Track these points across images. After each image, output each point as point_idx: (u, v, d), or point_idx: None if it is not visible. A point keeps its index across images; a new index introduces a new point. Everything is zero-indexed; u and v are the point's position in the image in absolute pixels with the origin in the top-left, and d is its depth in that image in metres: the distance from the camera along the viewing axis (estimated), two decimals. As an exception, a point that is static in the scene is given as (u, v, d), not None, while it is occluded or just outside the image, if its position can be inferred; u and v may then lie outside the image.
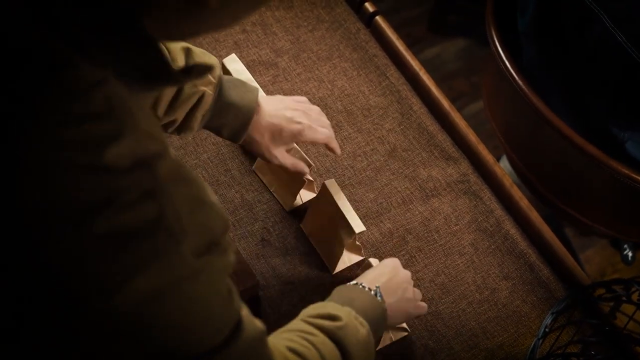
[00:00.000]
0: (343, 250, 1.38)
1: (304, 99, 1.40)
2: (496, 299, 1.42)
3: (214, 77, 1.23)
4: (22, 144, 0.64)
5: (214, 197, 0.78)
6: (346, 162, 1.52)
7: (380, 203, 1.49)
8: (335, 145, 1.39)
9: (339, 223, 1.34)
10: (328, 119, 1.54)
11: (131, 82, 0.69)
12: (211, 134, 1.51)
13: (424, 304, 1.31)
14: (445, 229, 1.48)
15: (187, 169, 0.76)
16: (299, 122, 1.33)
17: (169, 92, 1.19)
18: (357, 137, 1.56)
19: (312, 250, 1.42)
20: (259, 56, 1.63)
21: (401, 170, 1.53)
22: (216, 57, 1.59)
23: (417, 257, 1.44)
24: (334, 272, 1.40)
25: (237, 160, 1.50)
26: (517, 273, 1.44)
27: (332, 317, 1.05)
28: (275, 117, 1.31)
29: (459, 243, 1.47)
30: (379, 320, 1.15)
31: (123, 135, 0.67)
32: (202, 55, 1.24)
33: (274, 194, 1.45)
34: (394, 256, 1.43)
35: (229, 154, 1.50)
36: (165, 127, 1.26)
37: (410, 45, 1.71)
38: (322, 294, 1.37)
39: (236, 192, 1.46)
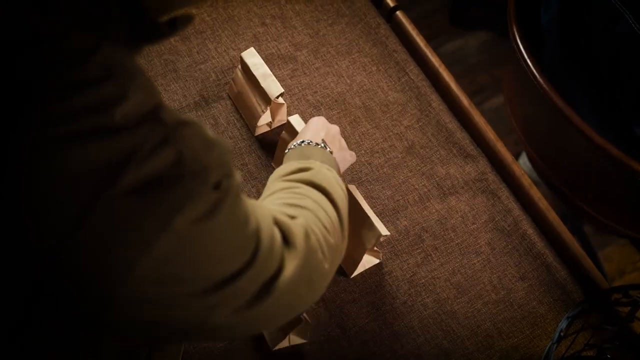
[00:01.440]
0: (364, 254, 1.37)
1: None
2: (512, 300, 1.40)
3: None
4: (30, 122, 0.65)
5: (212, 132, 0.79)
6: (363, 159, 1.51)
7: (397, 200, 1.48)
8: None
9: (361, 227, 1.33)
10: (346, 114, 1.54)
11: (122, 41, 0.71)
12: (229, 127, 1.51)
13: (352, 152, 1.33)
14: (462, 227, 1.47)
15: (182, 114, 0.78)
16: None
17: None
18: (375, 133, 1.55)
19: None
20: (277, 50, 1.62)
21: (419, 167, 1.52)
22: (235, 49, 1.60)
23: (433, 255, 1.43)
24: (352, 276, 1.40)
25: (254, 155, 1.49)
26: (533, 274, 1.43)
27: (304, 169, 1.11)
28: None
29: (475, 242, 1.45)
30: (334, 166, 1.20)
31: (126, 95, 0.69)
32: None
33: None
34: (411, 255, 1.42)
35: (246, 148, 1.50)
36: None
37: (431, 38, 1.69)
38: (337, 292, 1.37)
39: (252, 187, 1.46)
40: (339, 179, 1.13)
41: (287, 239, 0.90)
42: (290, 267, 0.88)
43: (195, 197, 0.72)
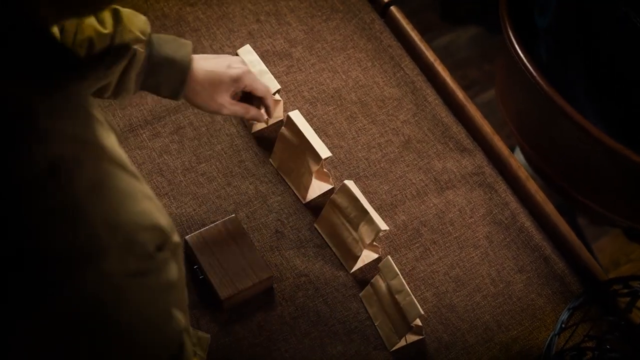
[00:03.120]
0: (312, 178, 1.42)
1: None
2: (511, 292, 1.41)
3: (143, 35, 1.22)
4: None
5: (146, 203, 0.72)
6: (360, 154, 1.52)
7: (395, 195, 1.48)
8: (270, 103, 1.37)
9: (306, 152, 1.39)
10: (342, 110, 1.54)
11: (30, 77, 0.64)
12: (225, 125, 1.51)
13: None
14: (460, 221, 1.47)
15: (118, 175, 0.70)
16: (238, 67, 1.33)
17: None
18: (371, 129, 1.55)
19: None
20: (273, 46, 1.62)
21: (416, 162, 1.52)
22: (230, 47, 1.59)
23: (432, 249, 1.44)
24: (305, 201, 1.44)
25: (251, 152, 1.49)
26: (532, 266, 1.44)
27: None
28: (212, 65, 1.31)
29: (473, 236, 1.46)
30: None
31: (36, 138, 0.64)
32: (130, 20, 1.21)
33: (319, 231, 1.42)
34: (409, 249, 1.43)
35: (243, 145, 1.50)
36: (100, 92, 1.23)
37: (422, 33, 1.69)
38: (337, 287, 1.37)
39: (250, 184, 1.46)
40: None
41: None
42: None
43: (79, 277, 0.66)
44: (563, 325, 1.14)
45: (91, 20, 1.17)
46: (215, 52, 1.59)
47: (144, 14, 1.59)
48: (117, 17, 1.20)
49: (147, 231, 0.71)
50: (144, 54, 1.22)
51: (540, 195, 1.48)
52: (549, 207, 1.47)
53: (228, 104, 1.33)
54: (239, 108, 1.34)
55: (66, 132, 0.67)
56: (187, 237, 1.35)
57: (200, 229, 1.37)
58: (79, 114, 0.71)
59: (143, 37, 1.22)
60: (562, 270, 1.43)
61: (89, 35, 1.16)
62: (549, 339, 1.14)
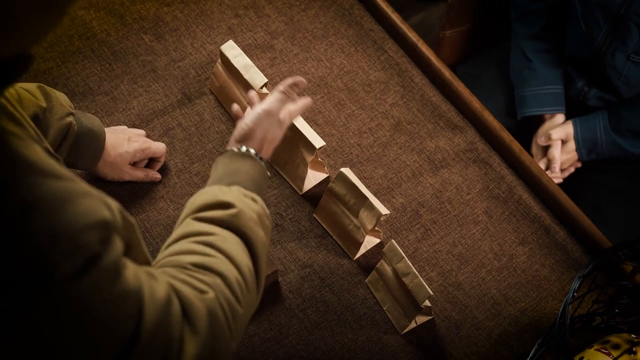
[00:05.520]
0: (307, 169, 1.42)
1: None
2: (515, 265, 1.42)
3: (70, 107, 1.26)
4: None
5: (86, 201, 0.72)
6: (352, 140, 1.51)
7: (391, 178, 1.48)
8: (162, 160, 1.46)
9: (299, 144, 1.40)
10: (330, 98, 1.54)
11: None
12: (214, 123, 1.50)
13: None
14: (458, 199, 1.47)
15: (50, 184, 0.71)
16: (137, 140, 1.41)
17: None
18: (360, 114, 1.54)
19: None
20: (254, 40, 1.61)
21: (408, 143, 1.52)
22: (212, 44, 1.58)
23: (432, 229, 1.44)
24: (302, 192, 1.44)
25: (243, 147, 1.48)
26: (533, 237, 1.44)
27: (224, 206, 0.99)
28: (115, 139, 1.39)
29: (472, 212, 1.46)
30: (262, 183, 1.10)
31: None
32: (56, 94, 1.25)
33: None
34: (410, 231, 1.42)
35: (234, 141, 1.49)
36: None
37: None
38: (342, 275, 1.37)
39: (245, 180, 1.45)
40: (263, 209, 1.04)
41: (188, 315, 0.85)
42: (190, 350, 0.84)
43: (39, 294, 0.68)
44: (575, 294, 1.14)
45: (29, 97, 1.18)
46: (197, 50, 1.58)
47: (121, 17, 1.59)
48: (45, 93, 1.22)
49: (92, 229, 0.71)
50: (76, 126, 1.27)
51: (535, 167, 1.48)
52: (545, 178, 1.47)
53: (129, 170, 1.42)
54: (139, 173, 1.43)
55: None
56: (188, 238, 1.34)
57: (200, 229, 1.36)
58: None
59: (71, 110, 1.26)
60: (564, 239, 1.44)
61: (34, 111, 1.18)
62: (562, 307, 1.14)
